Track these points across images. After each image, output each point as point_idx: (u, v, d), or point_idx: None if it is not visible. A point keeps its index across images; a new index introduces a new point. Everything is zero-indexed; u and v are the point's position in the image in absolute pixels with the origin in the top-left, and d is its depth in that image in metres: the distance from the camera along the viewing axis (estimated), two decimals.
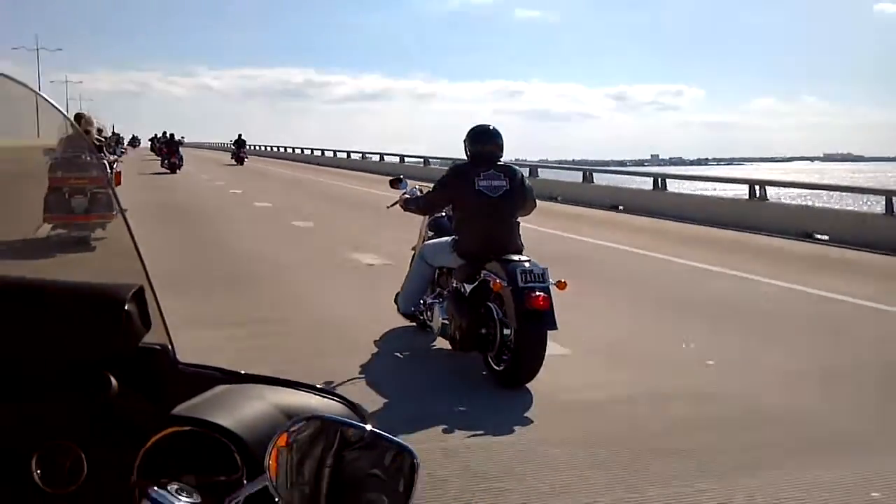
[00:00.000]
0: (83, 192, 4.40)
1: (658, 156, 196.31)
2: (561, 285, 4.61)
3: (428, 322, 5.29)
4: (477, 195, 4.86)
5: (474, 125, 5.14)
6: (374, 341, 5.47)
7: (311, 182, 25.41)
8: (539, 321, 4.47)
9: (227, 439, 0.90)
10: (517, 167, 5.20)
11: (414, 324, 5.54)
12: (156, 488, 0.83)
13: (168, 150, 30.78)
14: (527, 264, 4.60)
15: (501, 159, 5.05)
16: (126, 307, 0.90)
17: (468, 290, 4.87)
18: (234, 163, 36.57)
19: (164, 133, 41.06)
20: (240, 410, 0.94)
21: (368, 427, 0.88)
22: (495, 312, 4.67)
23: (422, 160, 28.77)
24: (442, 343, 5.22)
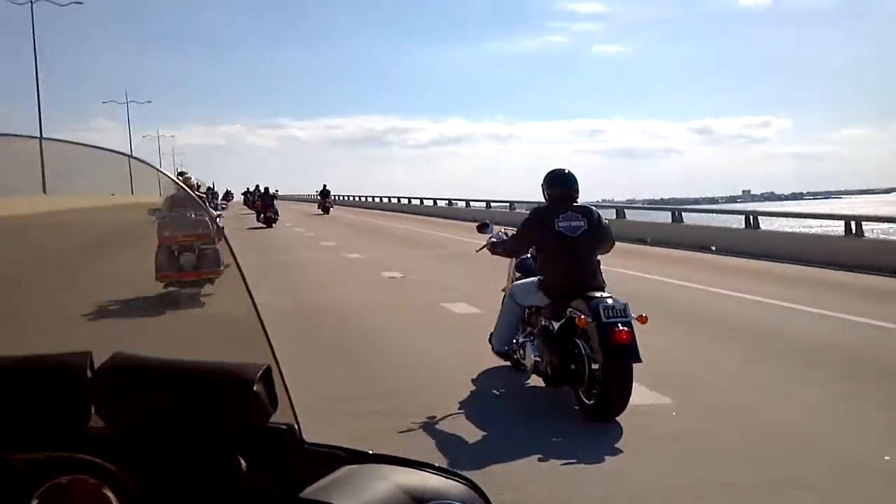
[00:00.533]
0: (191, 248, 4.87)
1: (749, 191, 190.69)
2: (642, 319, 4.82)
3: (521, 360, 5.56)
4: (557, 236, 5.16)
5: (551, 169, 5.47)
6: (472, 380, 5.78)
7: (398, 230, 26.05)
8: (623, 355, 4.68)
9: None
10: (594, 207, 5.49)
11: (508, 363, 5.82)
12: None
13: (263, 203, 30.98)
14: (609, 300, 4.84)
15: (578, 200, 5.35)
16: (254, 387, 0.90)
17: (556, 328, 5.14)
18: (321, 212, 38.63)
19: (258, 187, 42.61)
20: (366, 493, 0.93)
21: None
22: (582, 348, 4.90)
23: (508, 204, 29.27)
24: (536, 380, 5.47)
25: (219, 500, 0.92)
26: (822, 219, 17.27)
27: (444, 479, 1.00)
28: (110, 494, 0.89)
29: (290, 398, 1.02)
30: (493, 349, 5.75)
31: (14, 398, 0.94)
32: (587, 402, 4.89)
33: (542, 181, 5.45)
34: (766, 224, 16.40)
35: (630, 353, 4.67)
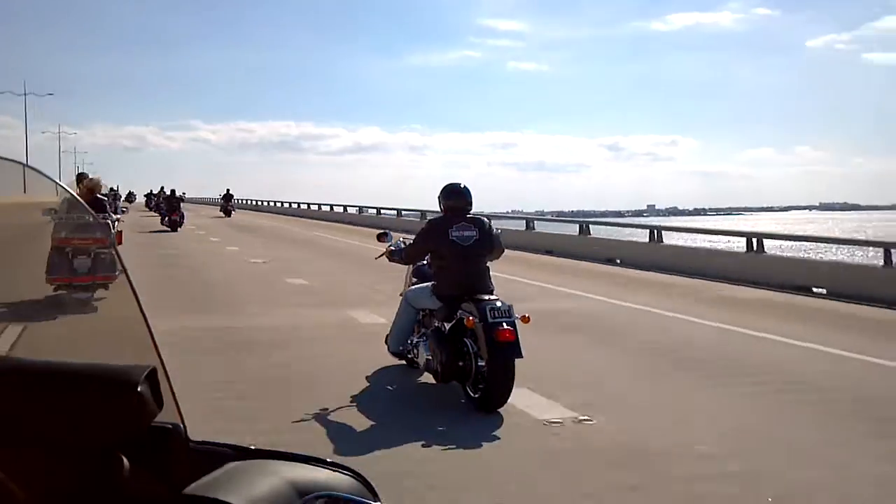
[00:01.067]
0: (87, 252, 4.49)
1: (654, 205, 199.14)
2: (525, 319, 5.30)
3: (415, 360, 5.96)
4: (451, 244, 5.60)
5: (447, 183, 5.93)
6: (366, 377, 6.12)
7: (302, 236, 26.25)
8: (507, 351, 5.15)
9: None
10: (485, 218, 5.96)
11: (403, 362, 6.20)
12: None
13: (169, 206, 29.75)
14: (497, 303, 5.31)
15: (470, 212, 5.81)
16: (139, 388, 0.89)
17: (447, 328, 5.56)
18: (223, 214, 39.31)
19: (162, 189, 41.45)
20: (252, 488, 0.93)
21: None
22: (470, 346, 5.35)
23: (419, 213, 29.52)
24: (427, 377, 5.88)
25: (102, 499, 0.91)
26: (726, 234, 17.42)
27: (332, 471, 1.02)
28: None
29: (174, 398, 1.02)
30: (388, 349, 6.12)
31: None
32: (473, 395, 5.33)
33: (438, 194, 5.87)
34: (670, 239, 17.04)
35: (513, 349, 5.14)
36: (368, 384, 5.96)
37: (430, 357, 5.66)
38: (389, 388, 5.94)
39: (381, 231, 6.76)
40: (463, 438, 4.65)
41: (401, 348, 6.07)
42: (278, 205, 51.72)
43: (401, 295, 6.63)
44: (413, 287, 6.05)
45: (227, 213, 39.57)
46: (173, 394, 1.01)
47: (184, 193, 36.50)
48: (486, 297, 5.40)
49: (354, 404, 5.38)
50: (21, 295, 1.55)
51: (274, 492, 0.94)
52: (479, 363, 5.29)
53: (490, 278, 5.70)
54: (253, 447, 1.05)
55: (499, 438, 4.72)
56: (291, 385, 5.95)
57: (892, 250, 11.36)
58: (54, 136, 77.94)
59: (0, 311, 1.37)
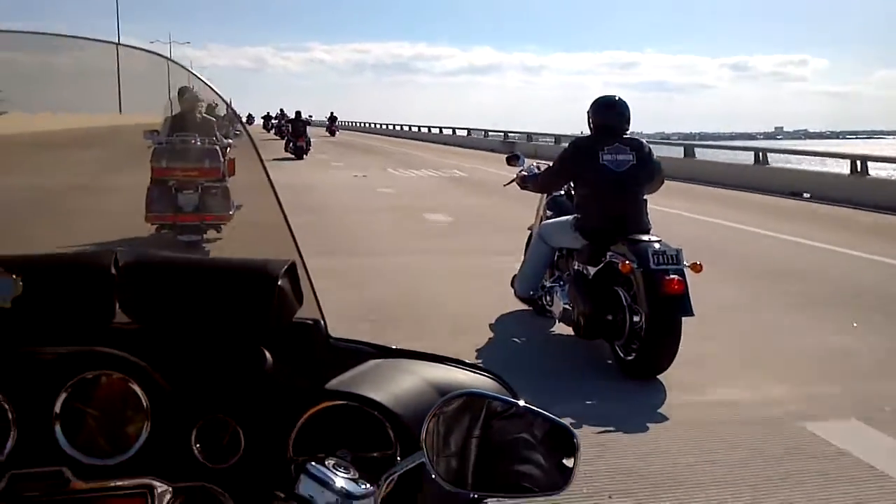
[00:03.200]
0: (194, 186, 3.90)
1: (783, 128, 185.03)
2: (696, 267, 4.18)
3: (548, 307, 4.99)
4: (601, 170, 4.49)
5: (599, 96, 4.77)
6: (490, 325, 5.22)
7: (413, 156, 25.49)
8: (674, 307, 4.07)
9: (380, 414, 0.90)
10: (643, 140, 4.78)
11: (530, 308, 5.26)
12: (313, 463, 0.83)
13: (294, 130, 26.49)
14: (657, 244, 4.22)
15: (628, 132, 4.65)
16: (279, 282, 0.90)
17: (592, 273, 4.53)
18: (328, 134, 41.28)
19: (282, 111, 40.48)
20: (392, 385, 0.94)
21: (521, 402, 0.88)
22: (623, 297, 4.31)
23: (526, 136, 28.54)
24: (561, 328, 4.91)
25: (246, 393, 0.91)
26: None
27: (471, 372, 1.02)
28: (137, 389, 0.89)
29: (315, 294, 1.01)
30: (515, 293, 5.18)
31: (41, 293, 0.92)
32: (625, 357, 4.32)
33: (588, 109, 4.74)
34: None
35: (681, 305, 4.06)
36: (492, 334, 5.04)
37: (568, 306, 4.67)
38: (516, 340, 5.01)
39: (512, 153, 5.67)
40: (620, 417, 3.68)
41: (531, 293, 5.10)
42: (388, 127, 51.75)
43: (529, 229, 5.65)
44: (549, 221, 5.01)
45: (332, 133, 42.15)
46: (313, 290, 1.01)
47: (310, 116, 34.65)
48: (645, 238, 4.30)
49: (479, 360, 4.49)
50: (119, 234, 1.44)
51: (414, 389, 0.95)
52: (635, 318, 4.26)
53: (647, 214, 4.59)
54: (394, 347, 1.05)
55: (667, 419, 3.72)
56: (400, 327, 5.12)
57: None
58: (164, 46, 78.41)
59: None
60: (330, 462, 0.84)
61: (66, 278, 0.93)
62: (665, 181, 4.89)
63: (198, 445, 0.90)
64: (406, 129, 46.91)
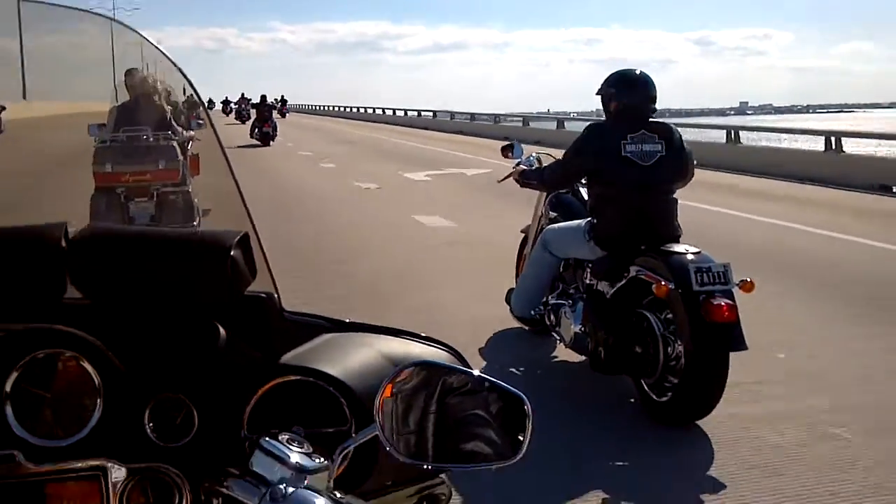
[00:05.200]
0: (147, 193, 3.34)
1: (748, 103, 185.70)
2: (747, 287, 3.32)
3: (554, 327, 4.11)
4: (624, 163, 3.58)
5: (617, 70, 3.82)
6: (480, 349, 4.33)
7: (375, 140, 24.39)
8: (723, 338, 3.21)
9: (335, 389, 0.90)
10: (673, 126, 3.88)
11: (528, 328, 4.39)
12: (267, 438, 0.83)
13: (259, 115, 25.38)
14: (698, 257, 3.35)
15: (654, 115, 3.74)
16: (231, 253, 0.89)
17: (611, 293, 3.65)
18: (279, 116, 39.07)
19: (243, 96, 39.98)
20: (347, 359, 0.94)
21: (476, 372, 0.89)
22: (655, 325, 3.44)
23: (493, 117, 27.88)
24: (565, 353, 4.05)
25: (199, 370, 0.91)
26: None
27: (426, 346, 1.03)
28: (90, 367, 0.88)
29: (268, 266, 1.00)
30: (511, 312, 4.29)
31: None
32: (656, 398, 3.46)
33: (601, 86, 3.82)
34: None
35: (733, 335, 3.20)
36: (484, 363, 4.15)
37: (580, 331, 3.80)
38: (515, 371, 4.12)
39: (507, 143, 4.71)
40: (656, 479, 2.82)
41: (532, 312, 4.21)
42: (352, 110, 50.65)
43: (522, 232, 4.75)
44: (554, 226, 4.09)
45: (283, 115, 42.19)
46: (267, 263, 0.99)
47: (276, 100, 38.34)
48: (681, 249, 3.43)
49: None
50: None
51: (369, 363, 0.95)
52: (669, 350, 3.40)
53: (677, 217, 3.71)
54: (348, 320, 1.04)
55: (725, 486, 2.86)
56: None
57: None
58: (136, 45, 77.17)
59: None
60: (284, 437, 0.83)
61: (14, 253, 0.91)
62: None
63: (150, 425, 0.89)
64: (371, 111, 45.70)
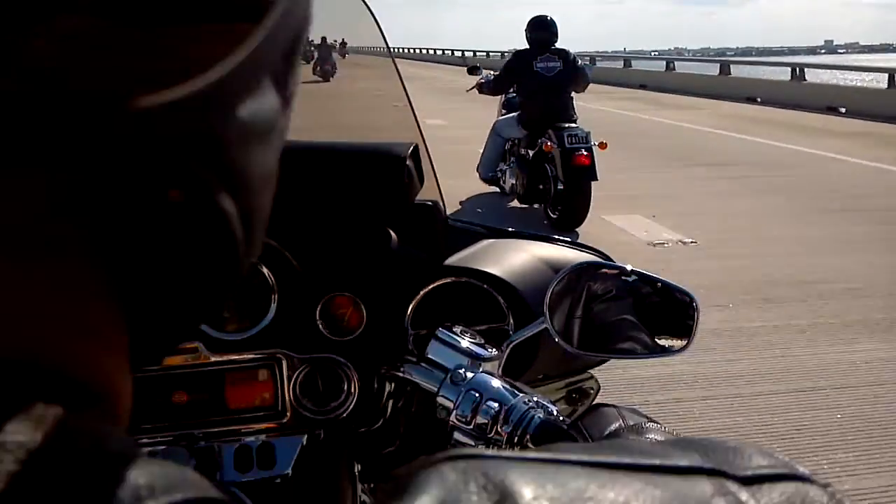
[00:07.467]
0: None
1: (832, 41, 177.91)
2: (602, 146, 5.59)
3: (503, 185, 6.46)
4: (535, 75, 5.87)
5: (534, 16, 6.14)
6: (461, 202, 6.70)
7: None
8: (583, 175, 5.51)
9: (497, 288, 0.97)
10: (569, 50, 6.13)
11: (494, 188, 6.73)
12: (442, 329, 0.89)
13: (321, 55, 30.25)
14: (575, 130, 5.62)
15: (556, 44, 6.00)
16: (406, 164, 0.93)
17: (531, 156, 5.97)
18: (340, 57, 42.15)
19: (324, 40, 42.32)
20: (506, 262, 0.99)
21: (629, 267, 0.92)
22: (549, 171, 5.76)
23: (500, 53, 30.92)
24: (516, 203, 6.39)
25: (370, 269, 0.96)
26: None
27: (579, 251, 1.08)
28: (265, 270, 0.93)
29: (436, 176, 1.04)
30: (479, 176, 6.65)
31: None
32: (552, 216, 5.80)
33: (525, 27, 6.08)
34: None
35: (588, 173, 5.50)
36: (460, 206, 6.55)
37: (514, 181, 6.14)
38: (479, 210, 6.51)
39: (473, 66, 7.09)
40: None
41: (490, 174, 6.56)
42: (414, 52, 52.68)
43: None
44: (502, 117, 6.43)
45: (343, 56, 44.35)
46: (434, 172, 1.04)
47: (343, 40, 37.32)
48: (567, 125, 5.70)
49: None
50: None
51: (528, 266, 1.01)
52: (559, 187, 5.70)
53: (573, 108, 5.97)
54: (509, 229, 1.13)
55: None
56: None
57: None
58: None
59: None
60: (457, 329, 0.90)
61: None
62: (590, 84, 6.22)
63: (321, 322, 0.94)
64: (440, 53, 47.67)
